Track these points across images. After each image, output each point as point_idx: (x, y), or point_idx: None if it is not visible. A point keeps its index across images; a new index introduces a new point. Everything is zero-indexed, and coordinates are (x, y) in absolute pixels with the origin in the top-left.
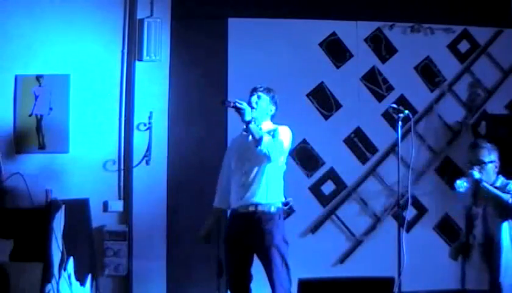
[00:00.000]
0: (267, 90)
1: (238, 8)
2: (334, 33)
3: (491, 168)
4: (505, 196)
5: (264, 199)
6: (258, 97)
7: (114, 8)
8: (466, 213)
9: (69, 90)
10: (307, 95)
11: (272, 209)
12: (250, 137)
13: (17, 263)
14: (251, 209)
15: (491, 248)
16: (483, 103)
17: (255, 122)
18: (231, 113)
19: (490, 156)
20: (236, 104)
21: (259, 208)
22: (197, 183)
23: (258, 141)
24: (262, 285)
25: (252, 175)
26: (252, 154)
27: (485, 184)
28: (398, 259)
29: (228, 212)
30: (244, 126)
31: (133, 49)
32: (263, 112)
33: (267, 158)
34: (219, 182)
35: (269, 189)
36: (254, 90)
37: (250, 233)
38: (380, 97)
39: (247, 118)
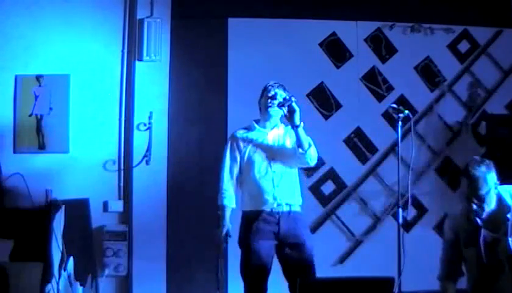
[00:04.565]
0: (283, 87)
1: (238, 8)
2: (334, 33)
3: (491, 194)
4: None
5: (295, 200)
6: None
7: (114, 8)
8: (473, 219)
9: (69, 90)
10: (307, 95)
11: (300, 209)
12: (273, 136)
13: (17, 263)
14: (285, 209)
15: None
16: (483, 103)
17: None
18: (231, 113)
19: (488, 185)
20: (292, 103)
21: (293, 209)
22: (197, 183)
23: (306, 147)
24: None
25: (284, 176)
26: (282, 154)
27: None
28: (398, 259)
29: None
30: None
31: (133, 49)
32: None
33: (308, 163)
34: (225, 179)
35: (297, 189)
36: (275, 87)
37: (284, 233)
38: (380, 97)
39: (298, 121)
